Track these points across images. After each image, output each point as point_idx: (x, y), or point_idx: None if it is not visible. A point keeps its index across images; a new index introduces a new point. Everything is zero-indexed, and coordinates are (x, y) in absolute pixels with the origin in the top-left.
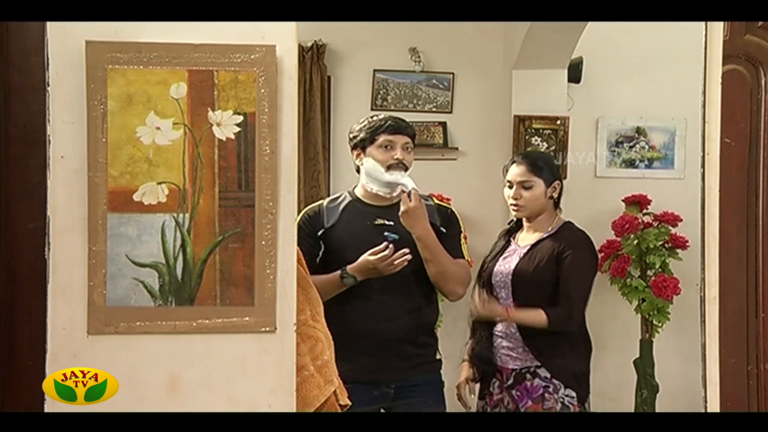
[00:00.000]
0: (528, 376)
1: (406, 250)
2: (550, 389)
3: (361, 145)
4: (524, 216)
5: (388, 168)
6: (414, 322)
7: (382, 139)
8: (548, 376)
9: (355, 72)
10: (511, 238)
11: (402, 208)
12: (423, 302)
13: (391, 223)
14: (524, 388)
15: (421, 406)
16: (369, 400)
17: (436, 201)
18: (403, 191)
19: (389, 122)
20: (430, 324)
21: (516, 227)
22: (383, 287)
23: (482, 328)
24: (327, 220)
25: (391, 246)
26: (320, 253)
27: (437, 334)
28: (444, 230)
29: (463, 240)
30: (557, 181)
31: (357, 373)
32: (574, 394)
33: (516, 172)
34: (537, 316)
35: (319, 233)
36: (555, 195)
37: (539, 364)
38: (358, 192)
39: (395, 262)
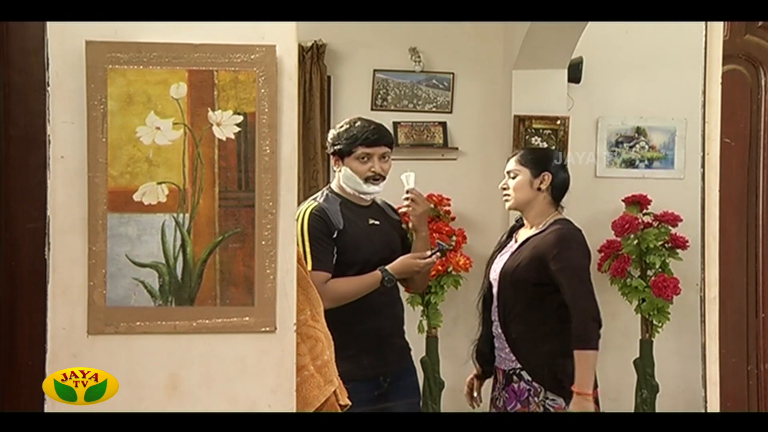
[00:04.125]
0: (515, 377)
1: (438, 254)
2: (532, 392)
3: (339, 154)
4: (512, 207)
5: (366, 180)
6: (400, 316)
7: (359, 151)
8: (530, 379)
9: (355, 72)
10: (514, 235)
11: (418, 210)
12: (400, 300)
13: (378, 222)
14: (512, 390)
15: (406, 405)
16: (369, 399)
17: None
18: (413, 191)
19: (366, 134)
20: (404, 316)
21: (520, 224)
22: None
23: (485, 326)
24: (337, 222)
25: (438, 253)
26: (335, 253)
27: (437, 334)
28: (404, 227)
29: None
30: (546, 173)
31: (359, 371)
32: (555, 396)
33: (509, 163)
34: (584, 360)
35: (334, 235)
36: (543, 186)
37: (521, 366)
38: (341, 192)
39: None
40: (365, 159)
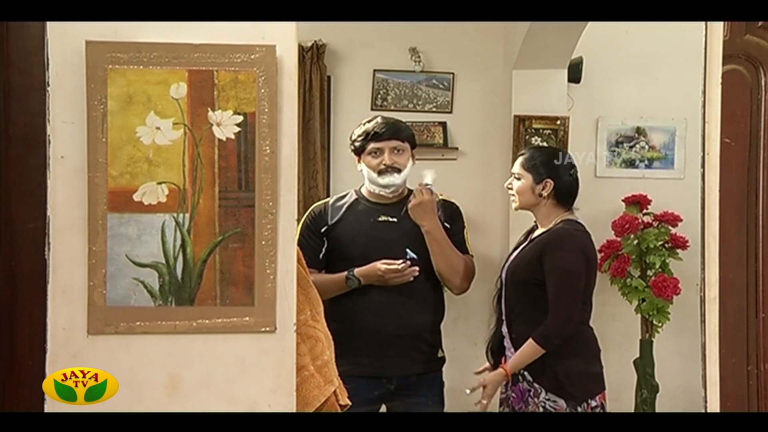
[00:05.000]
0: (519, 377)
1: (416, 268)
2: (532, 393)
3: (357, 153)
4: (518, 208)
5: (380, 173)
6: (416, 320)
7: (370, 147)
8: (531, 379)
9: (355, 72)
10: (531, 234)
11: (414, 201)
12: (426, 301)
13: (395, 219)
14: (518, 390)
15: (420, 406)
16: (370, 399)
17: (441, 197)
18: (420, 184)
19: (375, 130)
20: (433, 322)
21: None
22: (386, 285)
23: (497, 324)
24: (331, 217)
25: (407, 262)
26: (323, 249)
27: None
28: (448, 226)
29: (467, 236)
30: (548, 180)
31: (359, 369)
32: (556, 398)
33: (515, 164)
34: (530, 350)
35: (323, 230)
36: (545, 193)
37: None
38: (364, 190)
39: (403, 276)
40: (376, 153)
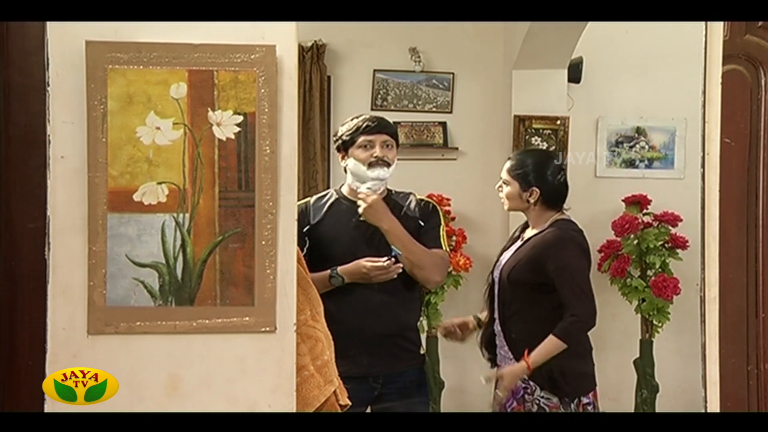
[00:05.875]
0: None
1: (400, 265)
2: (528, 390)
3: (343, 147)
4: (509, 210)
5: (369, 166)
6: (398, 319)
7: (361, 139)
8: (526, 377)
9: (355, 72)
10: (524, 233)
11: (363, 207)
12: (406, 300)
13: None
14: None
15: (413, 405)
16: (357, 403)
17: (418, 196)
18: (359, 193)
19: (366, 123)
20: (413, 320)
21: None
22: (368, 284)
23: (489, 321)
24: (313, 217)
25: (391, 260)
26: (305, 249)
27: (438, 334)
28: (422, 223)
29: (443, 232)
30: (534, 189)
31: (344, 369)
32: (550, 395)
33: (504, 167)
34: (552, 346)
35: (305, 230)
36: (531, 200)
37: None
38: (344, 190)
39: (388, 273)
40: (367, 146)
